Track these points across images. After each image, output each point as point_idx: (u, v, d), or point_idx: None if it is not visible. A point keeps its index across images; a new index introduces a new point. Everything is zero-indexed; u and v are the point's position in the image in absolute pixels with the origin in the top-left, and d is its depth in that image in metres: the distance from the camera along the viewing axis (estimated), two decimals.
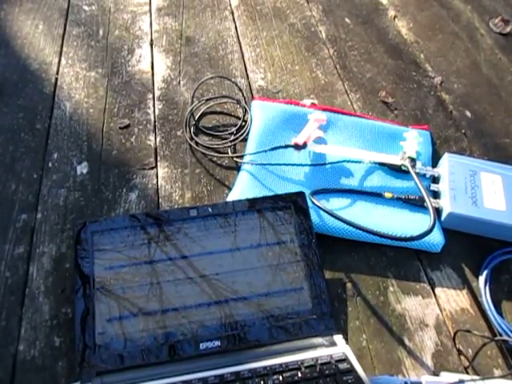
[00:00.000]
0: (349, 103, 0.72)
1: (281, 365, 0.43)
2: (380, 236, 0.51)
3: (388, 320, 0.51)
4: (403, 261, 0.56)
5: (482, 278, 0.54)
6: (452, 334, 0.50)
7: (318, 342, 0.46)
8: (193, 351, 0.45)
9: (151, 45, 0.79)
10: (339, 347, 0.45)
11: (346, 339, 0.49)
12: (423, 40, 0.84)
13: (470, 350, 0.50)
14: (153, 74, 0.74)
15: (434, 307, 0.52)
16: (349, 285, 0.53)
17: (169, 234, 0.50)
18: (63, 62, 0.75)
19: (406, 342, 0.50)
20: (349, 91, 0.74)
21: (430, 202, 0.53)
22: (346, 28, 0.84)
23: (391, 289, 0.53)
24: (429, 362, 0.49)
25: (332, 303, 0.51)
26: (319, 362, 0.43)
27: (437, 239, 0.55)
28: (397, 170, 0.61)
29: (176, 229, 0.51)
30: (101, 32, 0.80)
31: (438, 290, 0.54)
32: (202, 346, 0.45)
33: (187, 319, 0.46)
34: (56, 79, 0.72)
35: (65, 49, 0.77)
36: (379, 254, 0.56)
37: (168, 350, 0.45)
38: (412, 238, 0.49)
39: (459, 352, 0.50)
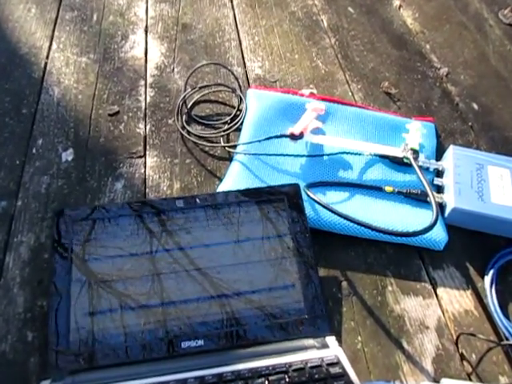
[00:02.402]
0: (349, 94, 0.69)
1: (267, 367, 0.40)
2: (379, 231, 0.47)
3: (386, 321, 0.48)
4: (403, 259, 0.52)
5: (487, 278, 0.50)
6: (454, 338, 0.47)
7: (308, 343, 0.43)
8: (173, 350, 0.42)
9: (146, 31, 0.76)
10: (331, 349, 0.42)
11: (340, 341, 0.45)
12: (429, 30, 0.81)
13: (473, 355, 0.46)
14: (146, 61, 0.71)
15: (436, 308, 0.49)
16: (344, 283, 0.50)
17: (152, 226, 0.47)
18: (54, 46, 0.72)
19: (405, 345, 0.46)
20: (350, 81, 0.71)
21: (432, 195, 0.49)
22: (349, 17, 0.81)
23: (390, 288, 0.50)
24: (429, 367, 0.45)
25: (326, 302, 0.48)
26: (309, 365, 0.40)
27: (440, 236, 0.51)
28: (398, 163, 0.58)
29: (161, 220, 0.48)
30: (95, 17, 0.77)
31: (440, 291, 0.50)
32: (184, 344, 0.42)
33: (168, 316, 0.43)
34: (46, 64, 0.70)
35: (56, 33, 0.74)
36: (378, 251, 0.53)
37: (147, 348, 0.42)
38: (413, 234, 0.46)
39: (462, 357, 0.46)
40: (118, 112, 0.64)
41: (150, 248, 0.46)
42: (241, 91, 0.66)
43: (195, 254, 0.46)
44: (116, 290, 0.44)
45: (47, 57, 0.71)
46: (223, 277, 0.45)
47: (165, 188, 0.56)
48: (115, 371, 0.40)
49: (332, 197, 0.54)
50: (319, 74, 0.71)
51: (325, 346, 0.42)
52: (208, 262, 0.46)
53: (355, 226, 0.51)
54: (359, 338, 0.46)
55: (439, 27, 0.82)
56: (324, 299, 0.46)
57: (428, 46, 0.78)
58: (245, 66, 0.71)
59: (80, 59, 0.71)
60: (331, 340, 0.43)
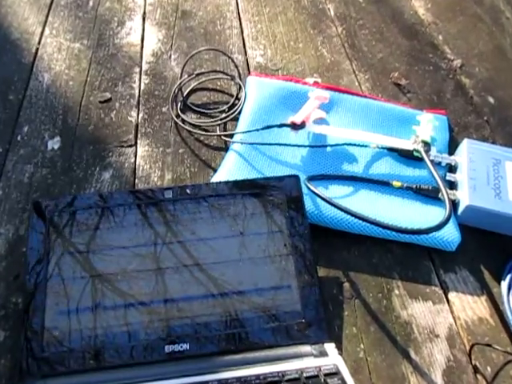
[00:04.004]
0: (356, 84, 0.65)
1: (258, 376, 0.35)
2: (387, 228, 0.43)
3: (391, 328, 0.43)
4: (412, 260, 0.48)
5: (504, 284, 0.46)
6: (467, 348, 0.42)
7: (305, 350, 0.38)
8: (156, 355, 0.38)
9: (143, 18, 0.72)
10: (330, 358, 0.38)
11: (340, 349, 0.41)
12: (442, 21, 0.76)
13: (488, 368, 0.42)
14: (142, 47, 0.68)
15: (447, 315, 0.45)
16: (346, 285, 0.46)
17: (137, 218, 0.43)
18: (47, 32, 0.69)
19: (412, 354, 0.42)
20: (357, 71, 0.67)
21: (445, 190, 0.45)
22: (357, 6, 0.77)
23: (396, 292, 0.46)
24: (438, 380, 0.41)
25: (325, 306, 0.44)
26: (304, 374, 0.35)
27: (452, 236, 0.47)
28: (408, 157, 0.53)
29: (147, 212, 0.44)
30: (91, 3, 0.74)
31: (451, 296, 0.46)
32: (168, 348, 0.38)
33: (151, 316, 0.39)
34: (37, 49, 0.66)
35: (50, 19, 0.71)
36: (384, 250, 0.48)
37: (127, 352, 0.38)
38: (424, 231, 0.42)
39: (475, 370, 0.42)
40: (109, 99, 0.60)
41: (133, 242, 0.42)
42: (240, 79, 0.62)
43: (177, 249, 0.42)
44: (96, 287, 0.40)
45: (39, 42, 0.67)
46: (209, 275, 0.41)
47: (155, 179, 0.53)
48: (93, 376, 0.36)
49: (334, 191, 0.50)
50: (324, 63, 0.67)
51: (323, 353, 0.38)
52: (192, 258, 0.42)
53: (359, 222, 0.47)
54: (361, 346, 0.42)
55: (452, 18, 0.77)
56: (323, 302, 0.42)
57: (440, 37, 0.73)
58: (246, 54, 0.67)
59: (73, 45, 0.67)
60: (330, 347, 0.39)
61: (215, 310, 0.40)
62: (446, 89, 0.66)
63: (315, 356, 0.38)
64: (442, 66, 0.69)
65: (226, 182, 0.46)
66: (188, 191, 0.45)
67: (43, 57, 0.65)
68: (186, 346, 0.38)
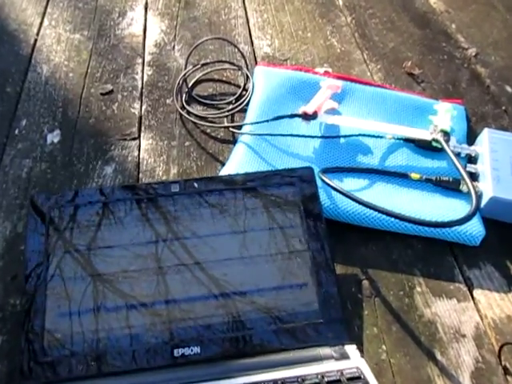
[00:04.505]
0: (368, 74, 0.62)
1: (275, 381, 0.33)
2: (411, 222, 0.40)
3: (414, 328, 0.41)
4: (433, 255, 0.45)
5: None
6: (497, 349, 0.40)
7: (324, 352, 0.36)
8: (165, 359, 0.35)
9: (145, 8, 0.70)
10: (352, 360, 0.35)
11: (361, 350, 0.38)
12: (454, 10, 0.74)
13: None
14: (144, 38, 0.65)
15: (473, 313, 0.42)
16: (365, 283, 0.43)
17: (142, 213, 0.41)
18: (45, 23, 0.66)
19: (438, 356, 0.39)
20: (368, 61, 0.64)
21: (470, 181, 0.42)
22: None
23: (418, 289, 0.43)
24: (467, 382, 0.38)
25: (344, 305, 0.41)
26: (326, 379, 0.33)
27: (476, 229, 0.44)
28: (425, 148, 0.51)
29: (152, 207, 0.41)
30: None
31: (476, 293, 0.43)
32: (177, 352, 0.36)
33: (159, 318, 0.37)
34: (35, 41, 0.64)
35: (49, 10, 0.68)
36: (403, 246, 0.46)
37: (133, 357, 0.35)
38: (449, 224, 0.39)
39: (506, 371, 0.39)
40: (111, 91, 0.58)
41: (145, 239, 0.40)
42: (247, 69, 0.59)
43: (188, 247, 0.39)
44: (98, 288, 0.38)
45: (37, 34, 0.65)
46: (221, 273, 0.39)
47: (160, 173, 0.50)
48: (96, 383, 0.34)
49: (350, 184, 0.48)
50: (334, 52, 0.64)
51: (344, 356, 0.35)
52: (203, 256, 0.39)
53: (377, 216, 0.44)
54: (383, 347, 0.39)
55: (465, 7, 0.75)
56: (342, 301, 0.39)
57: (453, 26, 0.71)
58: (252, 44, 0.65)
59: (73, 36, 0.65)
60: (351, 349, 0.36)
61: (228, 310, 0.37)
62: (462, 78, 0.63)
63: (336, 359, 0.35)
64: (456, 55, 0.66)
65: (236, 175, 0.44)
66: (196, 185, 0.42)
67: (42, 48, 0.63)
68: (196, 350, 0.36)
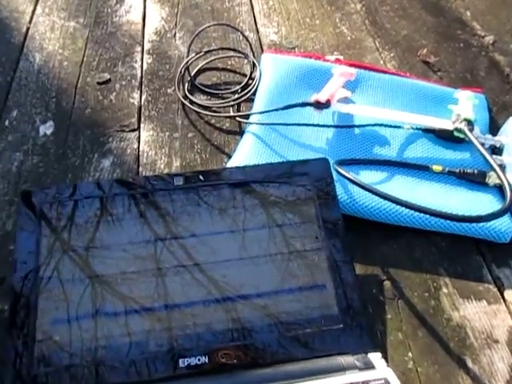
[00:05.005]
0: (381, 62, 0.59)
1: None
2: (437, 216, 0.36)
3: (442, 333, 0.37)
4: (459, 254, 0.42)
5: None
6: None
7: (347, 361, 0.32)
8: (169, 370, 0.32)
9: None
10: (378, 371, 0.31)
11: (386, 359, 0.35)
12: None
13: None
14: (144, 26, 0.62)
15: (505, 316, 0.38)
16: (387, 283, 0.40)
17: (142, 209, 0.37)
18: (38, 10, 0.63)
19: (469, 364, 0.36)
20: (381, 49, 0.60)
21: (502, 173, 0.39)
22: None
23: (445, 290, 0.39)
24: None
25: (365, 308, 0.38)
26: None
27: (506, 225, 0.41)
28: (446, 139, 0.47)
29: (153, 202, 0.37)
30: None
31: (508, 294, 0.40)
32: (182, 362, 0.32)
33: (162, 325, 0.33)
34: (28, 29, 0.60)
35: None
36: (427, 244, 0.42)
37: (134, 367, 0.32)
38: (484, 218, 0.35)
39: None
40: (108, 80, 0.54)
41: (145, 237, 0.36)
42: (253, 57, 0.56)
43: (193, 245, 0.36)
44: (94, 292, 0.34)
45: (30, 21, 0.61)
46: (231, 275, 0.35)
47: (162, 166, 0.46)
48: None
49: (367, 177, 0.44)
50: (345, 40, 0.61)
51: (368, 365, 0.32)
52: (210, 256, 0.35)
53: (398, 211, 0.41)
54: (410, 355, 0.36)
55: None
56: (363, 304, 0.35)
57: (468, 13, 0.67)
58: (257, 32, 0.61)
59: (68, 24, 0.61)
60: (376, 357, 0.33)
61: (239, 315, 0.34)
62: (480, 66, 0.60)
63: (360, 368, 0.32)
64: (472, 42, 0.63)
65: (245, 167, 0.40)
66: (201, 177, 0.39)
67: (35, 36, 0.59)
68: (203, 359, 0.32)
